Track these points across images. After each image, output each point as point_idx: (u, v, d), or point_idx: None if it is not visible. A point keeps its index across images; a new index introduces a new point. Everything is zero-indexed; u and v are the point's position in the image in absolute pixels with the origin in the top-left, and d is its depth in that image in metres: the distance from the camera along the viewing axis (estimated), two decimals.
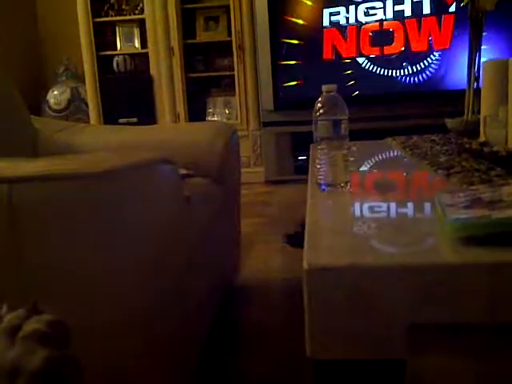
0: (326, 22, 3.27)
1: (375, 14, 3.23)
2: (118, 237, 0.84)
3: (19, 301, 0.45)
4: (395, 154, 1.37)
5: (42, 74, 3.98)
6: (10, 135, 1.40)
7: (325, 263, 0.60)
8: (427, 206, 0.85)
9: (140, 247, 0.89)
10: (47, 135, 1.62)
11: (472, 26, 1.33)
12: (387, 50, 3.26)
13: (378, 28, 3.25)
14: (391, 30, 3.23)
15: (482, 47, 1.35)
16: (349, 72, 3.31)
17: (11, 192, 0.73)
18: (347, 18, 3.25)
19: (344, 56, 3.29)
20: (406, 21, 3.20)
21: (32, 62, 3.94)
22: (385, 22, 3.23)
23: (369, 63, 3.29)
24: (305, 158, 3.28)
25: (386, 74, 3.29)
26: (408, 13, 3.20)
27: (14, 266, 0.78)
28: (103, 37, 3.76)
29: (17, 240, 0.75)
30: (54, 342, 0.43)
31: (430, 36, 3.20)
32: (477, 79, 1.32)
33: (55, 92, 3.80)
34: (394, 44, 3.25)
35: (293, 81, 3.37)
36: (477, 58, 1.33)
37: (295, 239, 1.38)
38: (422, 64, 3.25)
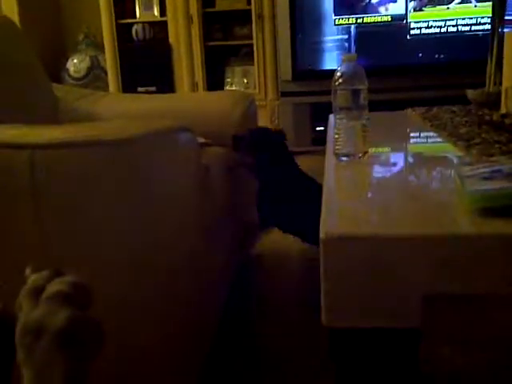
0: None
1: None
2: (137, 203, 0.85)
3: (40, 265, 0.47)
4: (415, 125, 1.36)
5: (62, 43, 3.98)
6: (33, 103, 1.41)
7: (341, 233, 0.60)
8: (446, 177, 0.84)
9: (159, 215, 0.91)
10: (68, 103, 1.64)
11: None
12: (408, 17, 3.18)
13: None
14: None
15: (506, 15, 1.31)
16: (369, 40, 3.24)
17: (34, 158, 0.74)
18: None
19: (363, 23, 3.22)
20: None
21: (52, 31, 3.93)
22: None
23: (389, 31, 3.21)
24: (323, 128, 3.24)
25: (406, 42, 3.21)
26: None
27: (35, 230, 0.80)
28: (122, 5, 3.73)
29: (38, 205, 0.77)
30: (76, 303, 0.44)
31: (452, 3, 3.11)
32: (499, 49, 1.29)
33: (75, 60, 3.80)
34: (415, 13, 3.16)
35: (312, 50, 3.31)
36: (500, 27, 1.29)
37: (239, 141, 1.41)
38: (443, 32, 3.16)
